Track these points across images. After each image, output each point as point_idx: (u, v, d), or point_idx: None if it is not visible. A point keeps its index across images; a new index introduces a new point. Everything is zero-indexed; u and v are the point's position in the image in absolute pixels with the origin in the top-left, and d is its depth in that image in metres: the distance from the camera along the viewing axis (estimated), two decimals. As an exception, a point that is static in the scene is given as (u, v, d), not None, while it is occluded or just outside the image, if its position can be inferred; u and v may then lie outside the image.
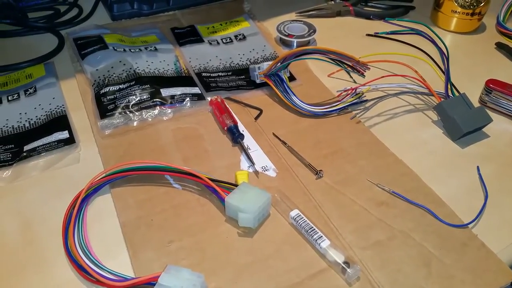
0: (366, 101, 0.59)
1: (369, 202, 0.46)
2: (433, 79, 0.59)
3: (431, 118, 0.57)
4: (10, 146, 0.52)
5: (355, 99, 0.58)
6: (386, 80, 0.59)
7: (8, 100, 0.59)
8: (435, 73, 0.60)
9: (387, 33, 0.71)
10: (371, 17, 0.74)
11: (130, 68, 0.60)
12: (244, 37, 0.71)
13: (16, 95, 0.59)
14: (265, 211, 0.45)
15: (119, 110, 0.55)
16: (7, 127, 0.55)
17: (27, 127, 0.55)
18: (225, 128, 0.54)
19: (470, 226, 0.44)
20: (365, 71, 0.57)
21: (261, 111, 0.58)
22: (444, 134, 0.55)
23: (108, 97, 0.57)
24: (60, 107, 0.57)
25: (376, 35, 0.71)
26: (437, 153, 0.53)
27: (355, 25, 0.76)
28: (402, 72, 0.60)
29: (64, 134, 0.54)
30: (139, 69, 0.61)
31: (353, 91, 0.59)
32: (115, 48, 0.64)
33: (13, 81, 0.62)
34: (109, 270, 0.39)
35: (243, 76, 0.63)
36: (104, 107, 0.55)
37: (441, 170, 0.50)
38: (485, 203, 0.46)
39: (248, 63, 0.65)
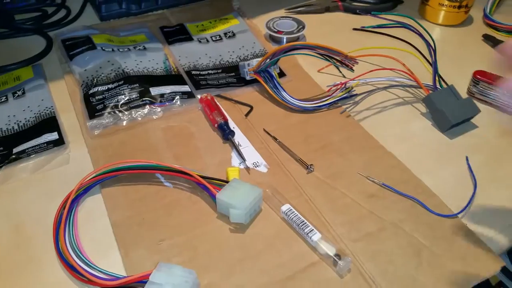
0: (355, 95, 0.60)
1: (359, 194, 0.46)
2: (421, 72, 0.59)
3: (420, 110, 0.58)
4: (0, 148, 0.52)
5: (345, 94, 0.59)
6: (375, 74, 0.60)
7: (-4, 103, 0.58)
8: (423, 66, 0.61)
9: (374, 27, 0.71)
10: (357, 11, 0.74)
11: (119, 68, 0.60)
12: (234, 35, 0.71)
13: (4, 97, 0.59)
14: (256, 207, 0.45)
15: (108, 110, 0.55)
16: (-5, 130, 0.55)
17: (16, 129, 0.54)
18: (216, 125, 0.54)
19: (459, 215, 0.44)
20: (353, 66, 0.57)
21: (251, 107, 0.58)
22: (433, 126, 0.55)
23: (97, 97, 0.56)
24: (49, 108, 0.57)
25: (362, 29, 0.72)
26: (426, 144, 0.53)
27: (344, 20, 0.76)
28: (390, 66, 0.60)
29: (54, 136, 0.53)
30: (127, 69, 0.60)
31: (343, 85, 0.59)
32: (103, 48, 0.64)
33: (1, 83, 0.62)
34: (100, 270, 0.39)
35: (233, 74, 0.63)
36: (93, 107, 0.55)
37: (431, 161, 0.51)
38: (474, 193, 0.46)
39: (238, 60, 0.65)
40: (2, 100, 0.59)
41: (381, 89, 0.61)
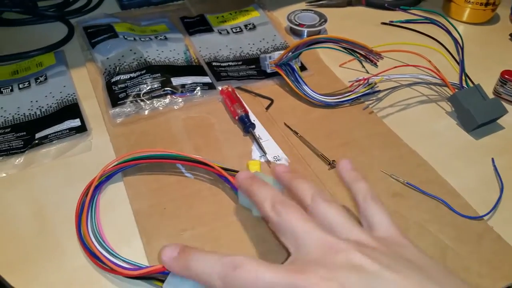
0: (378, 91, 0.59)
1: (383, 193, 0.46)
2: (447, 70, 0.58)
3: (445, 109, 0.57)
4: (22, 133, 0.52)
5: (368, 90, 0.58)
6: (399, 71, 0.59)
7: (19, 88, 0.58)
8: (449, 64, 0.59)
9: (402, 22, 0.70)
10: (385, 5, 0.73)
11: (141, 57, 0.60)
12: (254, 27, 0.70)
13: (27, 83, 0.59)
14: None
15: (130, 98, 0.55)
16: (18, 114, 0.55)
17: (38, 114, 0.54)
18: (236, 117, 0.53)
19: (485, 218, 0.43)
20: (378, 61, 0.56)
21: (272, 101, 0.57)
22: (458, 125, 0.54)
23: (119, 86, 0.56)
24: (71, 95, 0.57)
25: (391, 24, 0.71)
26: (451, 144, 0.52)
27: (366, 15, 0.75)
28: (415, 62, 0.59)
29: (76, 122, 0.53)
30: (149, 58, 0.60)
31: (366, 81, 0.58)
32: (125, 37, 0.64)
33: (24, 69, 0.62)
34: (122, 258, 0.39)
35: (254, 66, 0.62)
36: (115, 95, 0.55)
37: (456, 161, 0.50)
38: (500, 195, 0.45)
39: (258, 52, 0.65)
40: (25, 85, 0.59)
41: (405, 86, 0.60)
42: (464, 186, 0.46)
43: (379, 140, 0.52)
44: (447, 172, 0.48)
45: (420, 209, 0.44)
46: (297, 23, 0.69)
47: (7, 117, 0.54)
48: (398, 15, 0.69)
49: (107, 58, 0.60)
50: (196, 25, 0.70)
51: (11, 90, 0.58)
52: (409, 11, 0.59)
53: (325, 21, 0.69)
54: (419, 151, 0.50)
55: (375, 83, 0.58)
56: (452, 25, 0.54)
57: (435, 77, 0.58)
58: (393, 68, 0.58)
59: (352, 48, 0.55)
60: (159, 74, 0.57)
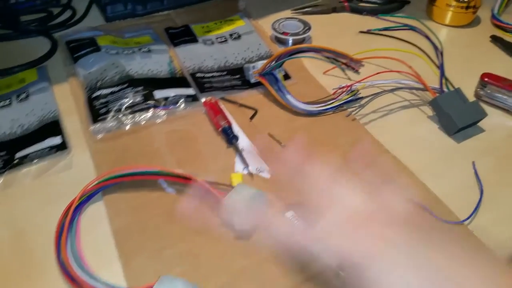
0: (361, 98, 0.59)
1: (365, 201, 0.46)
2: (428, 74, 0.58)
3: (427, 113, 0.57)
4: (2, 153, 0.52)
5: (350, 96, 0.58)
6: (381, 77, 0.59)
7: (0, 107, 0.58)
8: (430, 68, 0.60)
9: (380, 30, 0.70)
10: (363, 13, 0.73)
11: (123, 71, 0.60)
12: (239, 36, 0.70)
13: (8, 100, 0.59)
14: (262, 211, 0.44)
15: (112, 113, 0.54)
16: (-2, 134, 0.54)
17: (19, 133, 0.54)
18: (220, 129, 0.53)
19: (465, 223, 0.44)
20: (359, 68, 0.56)
21: (256, 111, 0.57)
22: (439, 129, 0.55)
23: (100, 101, 0.56)
24: (53, 112, 0.57)
25: (369, 32, 0.71)
26: (433, 148, 0.52)
27: (350, 21, 0.75)
28: (397, 68, 0.59)
29: (57, 140, 0.53)
30: (132, 71, 0.60)
31: (348, 88, 0.58)
32: (108, 50, 0.64)
33: (5, 86, 0.61)
34: (102, 281, 0.38)
35: (238, 76, 0.62)
36: (96, 111, 0.55)
37: (437, 166, 0.50)
38: (480, 199, 0.46)
39: (243, 62, 0.65)
40: (6, 103, 0.58)
41: (387, 92, 0.60)
42: (445, 191, 0.46)
43: (361, 147, 0.52)
44: (428, 176, 0.48)
45: (402, 217, 0.44)
46: (282, 32, 0.69)
47: (-13, 137, 0.54)
48: (380, 22, 0.69)
49: (89, 73, 0.60)
50: (181, 35, 0.70)
51: (-8, 108, 0.58)
52: (388, 18, 0.59)
53: (309, 28, 0.69)
54: (401, 157, 0.51)
55: (358, 90, 0.59)
56: (431, 30, 0.54)
57: (416, 82, 0.58)
58: (375, 74, 0.59)
59: (333, 57, 0.55)
60: (142, 87, 0.57)
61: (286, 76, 0.62)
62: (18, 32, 0.72)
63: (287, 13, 0.78)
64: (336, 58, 0.55)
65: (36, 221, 0.45)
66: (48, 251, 0.41)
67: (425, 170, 0.49)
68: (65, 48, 0.67)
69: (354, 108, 0.58)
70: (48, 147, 0.52)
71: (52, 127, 0.54)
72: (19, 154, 0.51)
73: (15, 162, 0.50)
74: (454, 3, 0.71)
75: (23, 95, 0.59)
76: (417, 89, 0.60)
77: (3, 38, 0.71)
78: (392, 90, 0.60)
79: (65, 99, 0.59)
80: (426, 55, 0.60)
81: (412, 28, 0.54)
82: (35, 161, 0.50)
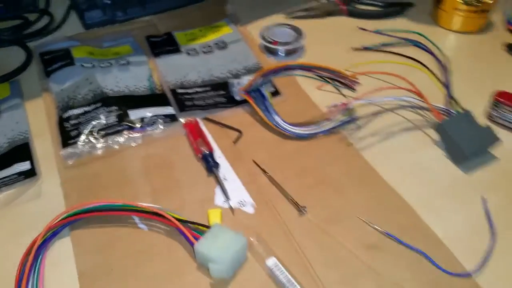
0: (358, 118, 0.53)
1: (357, 244, 0.41)
2: (432, 91, 0.53)
3: (431, 136, 0.51)
4: (-33, 181, 0.48)
5: (346, 117, 0.52)
6: (380, 94, 0.53)
7: (-30, 126, 0.54)
8: (434, 85, 0.54)
9: (377, 46, 0.62)
10: (360, 28, 0.66)
11: (97, 88, 0.55)
12: (225, 45, 0.65)
13: (-22, 120, 0.54)
14: (240, 258, 0.40)
15: (83, 137, 0.50)
16: (-36, 159, 0.50)
17: (-13, 157, 0.50)
18: (199, 155, 0.48)
19: (473, 275, 0.38)
20: (355, 86, 0.51)
21: (240, 132, 0.52)
22: (445, 157, 0.49)
23: (71, 122, 0.51)
24: (23, 133, 0.52)
25: (365, 48, 0.62)
26: (437, 180, 0.47)
27: (347, 27, 0.69)
28: (397, 84, 0.53)
29: (26, 165, 0.49)
30: (107, 88, 0.55)
31: (344, 106, 0.53)
32: (83, 64, 0.59)
33: (-26, 103, 0.57)
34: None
35: (223, 92, 0.57)
36: (67, 133, 0.50)
37: (442, 202, 0.44)
38: (492, 245, 0.40)
39: (229, 75, 0.60)
40: (-24, 124, 0.54)
41: (387, 111, 0.54)
42: (450, 233, 0.41)
43: (356, 177, 0.47)
44: (431, 216, 0.43)
45: (399, 265, 0.39)
46: (271, 41, 0.63)
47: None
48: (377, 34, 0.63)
49: (61, 90, 0.55)
50: (163, 45, 0.65)
51: (-41, 130, 0.53)
52: (387, 33, 0.53)
53: (301, 36, 0.63)
54: (401, 190, 0.45)
55: (354, 109, 0.53)
56: (435, 45, 0.48)
57: (420, 100, 0.52)
58: (374, 91, 0.53)
59: (326, 76, 0.49)
60: (116, 107, 0.52)
61: (275, 92, 0.57)
62: (-9, 42, 0.67)
63: (278, 17, 0.72)
64: (329, 76, 0.49)
65: (-1, 258, 0.41)
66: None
67: (427, 206, 0.44)
68: (38, 61, 0.62)
69: (349, 131, 0.52)
70: (16, 173, 0.48)
71: (22, 150, 0.51)
72: (-14, 182, 0.47)
73: (-20, 191, 0.46)
74: (463, 6, 0.65)
75: (-7, 114, 0.55)
76: (420, 108, 0.54)
77: (-26, 48, 0.66)
78: (392, 110, 0.54)
79: (37, 117, 0.55)
80: (430, 71, 0.54)
81: (415, 44, 0.48)
82: (2, 188, 0.47)
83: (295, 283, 0.37)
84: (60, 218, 0.42)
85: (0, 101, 0.57)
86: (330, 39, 0.67)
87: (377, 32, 0.50)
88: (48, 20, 0.71)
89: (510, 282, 0.38)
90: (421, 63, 0.57)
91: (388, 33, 0.54)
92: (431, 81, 0.54)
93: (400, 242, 0.40)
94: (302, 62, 0.49)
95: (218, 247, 0.38)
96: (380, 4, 0.72)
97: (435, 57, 0.47)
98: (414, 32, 0.53)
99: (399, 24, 0.67)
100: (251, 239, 0.41)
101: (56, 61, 0.60)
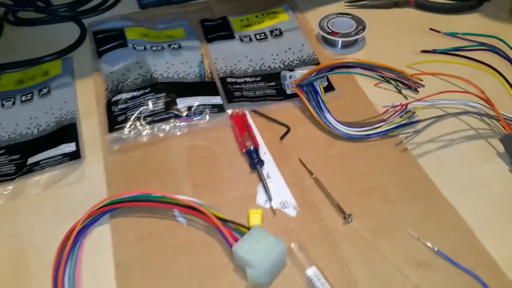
0: (417, 122, 0.49)
1: (406, 260, 0.38)
2: (504, 100, 0.48)
3: (497, 149, 0.47)
4: (16, 156, 0.49)
5: (404, 120, 0.49)
6: (444, 97, 0.49)
7: (21, 101, 0.55)
8: (507, 93, 0.49)
9: (449, 50, 0.56)
10: (431, 28, 0.59)
11: (147, 72, 0.54)
12: (281, 33, 0.62)
13: (30, 95, 0.56)
14: (279, 265, 0.38)
15: (130, 122, 0.49)
16: (15, 133, 0.51)
17: (35, 134, 0.51)
18: (244, 150, 0.47)
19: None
20: (418, 87, 0.47)
21: (288, 128, 0.50)
22: (511, 172, 0.44)
23: (119, 107, 0.51)
24: (71, 113, 0.53)
25: (433, 51, 0.57)
26: (500, 198, 0.42)
27: (414, 21, 0.64)
28: (464, 88, 0.49)
29: (71, 147, 0.49)
30: (156, 73, 0.54)
31: (403, 107, 0.49)
32: (135, 46, 0.58)
33: (29, 78, 0.58)
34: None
35: (274, 83, 0.55)
36: (114, 118, 0.50)
37: (503, 223, 0.40)
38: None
39: (282, 66, 0.57)
40: (28, 97, 0.55)
41: (450, 116, 0.50)
42: (510, 259, 0.37)
43: (410, 188, 0.43)
44: (489, 236, 0.39)
45: (448, 286, 0.36)
46: (330, 31, 0.60)
47: (4, 136, 0.51)
48: (450, 26, 0.58)
49: (111, 72, 0.55)
50: (217, 30, 0.63)
51: (13, 103, 0.55)
52: (460, 36, 0.48)
53: (364, 28, 0.60)
54: (458, 206, 0.42)
55: (414, 112, 0.49)
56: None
57: (488, 108, 0.48)
58: (437, 94, 0.49)
59: (386, 76, 0.46)
60: (164, 94, 0.52)
61: (330, 87, 0.54)
62: (49, 16, 0.67)
63: (340, 6, 0.68)
64: (391, 76, 0.45)
65: (39, 239, 0.42)
66: (46, 275, 0.38)
67: (486, 226, 0.40)
68: (91, 39, 0.62)
69: (406, 135, 0.48)
70: (61, 155, 0.48)
71: (68, 131, 0.51)
72: (31, 160, 0.48)
73: (26, 168, 0.47)
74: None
75: (45, 90, 0.56)
76: (487, 116, 0.49)
77: (33, 23, 0.67)
78: (456, 115, 0.50)
79: (86, 97, 0.55)
80: (503, 76, 0.49)
81: (492, 49, 0.43)
82: (46, 168, 0.47)
83: (334, 297, 0.35)
84: (100, 206, 0.42)
85: (51, 79, 0.58)
86: (395, 33, 0.62)
87: (449, 34, 0.45)
88: (103, -1, 0.71)
89: None
90: (493, 68, 0.52)
91: (462, 36, 0.49)
92: (504, 88, 0.49)
93: (453, 262, 0.37)
94: (362, 60, 0.45)
95: (257, 251, 0.37)
96: (451, -5, 0.66)
97: (511, 62, 0.42)
98: (491, 36, 0.48)
99: (472, 21, 0.61)
100: (292, 245, 0.39)
101: (109, 41, 0.59)
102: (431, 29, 0.59)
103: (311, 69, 0.48)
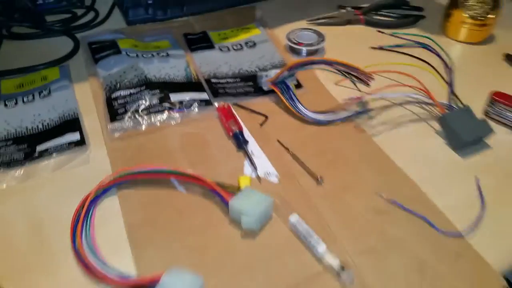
0: (370, 110, 0.60)
1: (368, 210, 0.47)
2: (437, 90, 0.59)
3: (434, 128, 0.58)
4: (23, 146, 0.54)
5: (360, 108, 0.59)
6: (391, 90, 0.60)
7: (23, 102, 0.61)
8: (439, 84, 0.61)
9: (392, 47, 0.71)
10: (378, 30, 0.74)
11: (141, 74, 0.62)
12: (254, 44, 0.72)
13: (31, 96, 0.62)
14: (267, 214, 0.46)
15: (129, 114, 0.57)
16: (21, 127, 0.57)
17: (40, 128, 0.57)
18: (231, 133, 0.55)
19: (465, 236, 0.45)
20: (370, 81, 0.58)
21: (266, 117, 0.59)
22: (446, 144, 0.56)
23: (118, 102, 0.58)
24: (73, 109, 0.59)
25: (380, 48, 0.71)
26: (438, 163, 0.53)
27: (364, 35, 0.77)
28: (407, 82, 0.61)
29: (76, 136, 0.55)
30: (150, 75, 0.62)
31: (359, 100, 0.60)
32: (128, 53, 0.66)
33: (29, 83, 0.64)
34: (114, 269, 0.41)
35: (251, 83, 0.64)
36: (115, 110, 0.57)
37: (441, 180, 0.51)
38: (482, 214, 0.46)
39: (257, 70, 0.67)
40: (29, 99, 0.61)
41: (396, 105, 0.61)
42: (448, 205, 0.48)
43: (368, 158, 0.53)
44: (432, 191, 0.49)
45: (403, 227, 0.45)
46: (296, 42, 0.70)
47: (10, 130, 0.57)
48: (392, 38, 0.70)
49: (109, 74, 0.63)
50: (199, 42, 0.72)
51: (16, 103, 0.61)
52: (401, 36, 0.61)
53: (323, 40, 0.71)
54: (406, 170, 0.52)
55: (368, 102, 0.60)
56: (442, 48, 0.55)
57: (425, 97, 0.59)
58: (386, 88, 0.60)
59: (344, 70, 0.56)
60: (158, 90, 0.60)
61: (298, 85, 0.64)
62: (43, 31, 0.75)
63: (302, 23, 0.79)
64: (347, 71, 0.56)
65: (54, 212, 0.47)
66: (65, 240, 0.44)
67: (428, 183, 0.50)
68: (86, 49, 0.69)
69: (363, 120, 0.59)
70: (67, 143, 0.54)
71: (72, 123, 0.57)
72: (40, 148, 0.54)
73: (35, 155, 0.52)
74: (469, 20, 0.72)
75: (45, 92, 0.62)
76: (426, 103, 0.61)
77: (29, 37, 0.74)
78: (401, 104, 0.61)
79: (85, 97, 0.61)
80: (437, 71, 0.61)
81: (424, 46, 0.55)
82: (54, 155, 0.53)
83: (315, 236, 0.43)
84: (109, 179, 0.49)
85: (50, 83, 0.64)
86: (348, 44, 0.74)
87: (393, 35, 0.57)
88: (93, 15, 0.79)
89: (493, 242, 0.45)
90: (428, 63, 0.64)
91: (402, 36, 0.62)
92: (437, 80, 0.61)
93: (405, 209, 0.47)
94: (324, 57, 0.56)
95: (249, 203, 0.45)
96: (394, 15, 0.80)
97: (441, 59, 0.54)
98: (424, 37, 0.60)
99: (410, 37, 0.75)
100: (277, 201, 0.47)
101: (104, 50, 0.67)
102: (378, 31, 0.72)
103: (284, 67, 0.58)
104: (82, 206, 0.47)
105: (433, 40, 0.56)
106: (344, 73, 0.57)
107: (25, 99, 0.61)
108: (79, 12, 0.80)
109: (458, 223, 0.46)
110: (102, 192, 0.49)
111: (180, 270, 0.38)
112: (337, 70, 0.57)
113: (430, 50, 0.55)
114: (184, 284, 0.37)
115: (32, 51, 0.72)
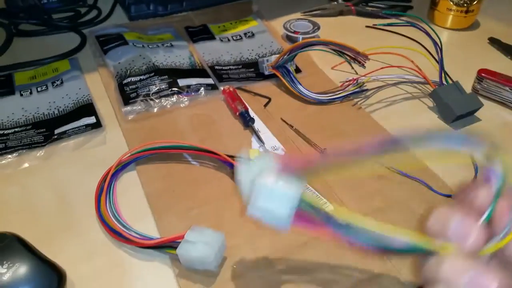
0: (367, 90, 0.64)
1: (369, 175, 0.51)
2: (429, 69, 0.64)
3: (427, 104, 0.62)
4: (42, 130, 0.57)
5: (356, 88, 0.63)
6: (385, 71, 0.64)
7: (38, 91, 0.64)
8: (430, 64, 0.65)
9: (385, 25, 0.76)
10: (370, 10, 0.79)
11: (150, 61, 0.66)
12: (253, 35, 0.76)
13: (45, 86, 0.65)
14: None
15: (141, 98, 0.60)
16: (38, 113, 0.60)
17: (57, 114, 0.60)
18: (237, 113, 0.59)
19: (460, 195, 0.49)
20: (365, 62, 0.62)
21: (269, 99, 0.63)
22: (438, 118, 0.60)
23: (130, 87, 0.62)
24: (86, 96, 0.62)
25: (374, 26, 0.77)
26: (432, 134, 0.57)
27: (356, 23, 0.81)
28: (400, 63, 0.65)
29: (91, 119, 0.59)
30: (157, 62, 0.66)
31: (355, 81, 0.64)
32: (134, 44, 0.70)
33: (41, 74, 0.67)
34: (137, 232, 0.44)
35: (252, 69, 0.68)
36: (127, 95, 0.61)
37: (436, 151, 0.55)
38: (475, 177, 0.50)
39: (257, 57, 0.71)
40: (43, 88, 0.64)
41: (390, 85, 0.65)
42: (444, 171, 0.51)
43: (366, 131, 0.57)
44: (427, 158, 0.53)
45: (403, 189, 0.49)
46: (293, 31, 0.75)
47: (28, 116, 0.60)
48: (384, 22, 0.75)
49: (119, 63, 0.66)
50: (199, 33, 0.76)
51: (30, 93, 0.64)
52: (391, 14, 0.65)
53: (318, 28, 0.75)
54: (403, 141, 0.56)
55: (363, 83, 0.64)
56: (430, 27, 0.59)
57: (418, 76, 0.64)
58: (380, 69, 0.64)
59: (341, 50, 0.60)
60: (167, 76, 0.63)
61: (297, 70, 0.68)
62: (51, 28, 0.78)
63: (297, 15, 0.84)
64: (344, 51, 0.60)
65: (77, 185, 0.50)
66: (89, 208, 0.47)
67: (424, 153, 0.54)
68: (94, 42, 0.73)
69: (360, 99, 0.63)
70: (84, 125, 0.58)
71: (86, 108, 0.60)
72: (58, 131, 0.57)
73: (54, 137, 0.56)
74: (454, 7, 0.77)
75: (58, 82, 0.65)
76: (418, 83, 0.65)
77: (38, 34, 0.77)
78: (395, 84, 0.65)
79: (96, 86, 0.65)
80: (427, 51, 0.65)
81: (413, 25, 0.59)
82: (72, 136, 0.56)
83: (322, 197, 0.47)
84: (128, 155, 0.52)
85: (62, 73, 0.67)
86: (342, 32, 0.79)
87: (383, 14, 0.62)
88: (96, 13, 0.83)
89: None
90: (419, 43, 0.69)
91: (392, 14, 0.67)
92: (428, 61, 0.65)
93: (404, 174, 0.51)
94: (321, 39, 0.60)
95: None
96: (383, 6, 0.84)
97: (430, 37, 0.58)
98: (414, 16, 0.65)
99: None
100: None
101: (112, 42, 0.71)
102: (371, 12, 0.77)
103: (284, 50, 0.62)
104: (104, 179, 0.50)
105: (422, 20, 0.61)
106: (340, 54, 0.61)
107: (39, 89, 0.64)
108: (82, 10, 0.83)
109: (452, 185, 0.50)
110: (122, 166, 0.52)
111: (202, 228, 0.42)
112: (334, 51, 0.61)
113: (419, 29, 0.59)
114: (207, 239, 0.40)
115: (41, 47, 0.75)
